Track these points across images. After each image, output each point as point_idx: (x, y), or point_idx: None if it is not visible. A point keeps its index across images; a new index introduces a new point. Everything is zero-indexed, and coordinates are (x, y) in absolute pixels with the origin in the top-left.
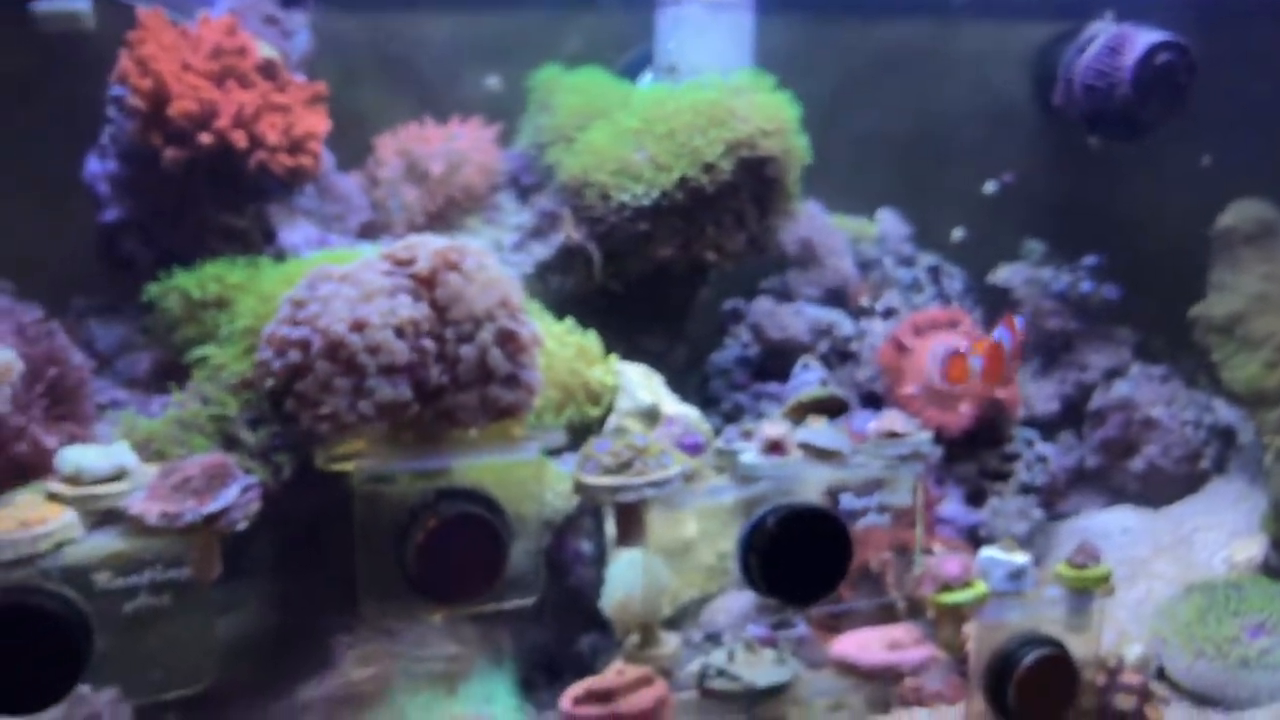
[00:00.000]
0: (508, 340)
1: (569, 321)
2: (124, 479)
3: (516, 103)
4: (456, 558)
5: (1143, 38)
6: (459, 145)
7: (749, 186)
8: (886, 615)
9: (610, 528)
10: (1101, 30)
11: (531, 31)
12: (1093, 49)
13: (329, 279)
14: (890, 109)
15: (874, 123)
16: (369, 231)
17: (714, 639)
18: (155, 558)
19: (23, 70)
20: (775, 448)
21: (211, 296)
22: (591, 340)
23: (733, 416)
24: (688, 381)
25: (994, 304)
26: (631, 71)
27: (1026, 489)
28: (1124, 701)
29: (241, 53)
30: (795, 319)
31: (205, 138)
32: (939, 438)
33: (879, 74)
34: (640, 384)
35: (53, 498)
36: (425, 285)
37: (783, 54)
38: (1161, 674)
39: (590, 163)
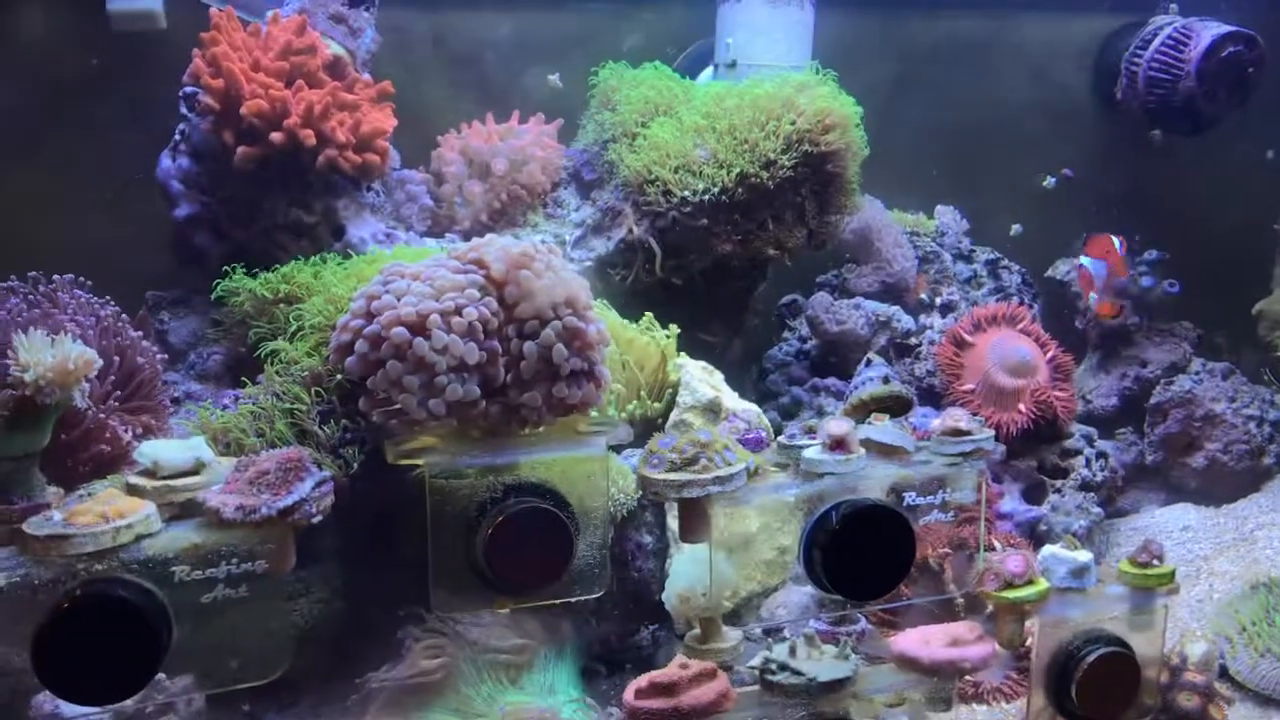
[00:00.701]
0: (574, 338)
1: (640, 320)
2: (201, 472)
3: (578, 99)
4: (524, 551)
5: (1209, 30)
6: (522, 142)
7: (809, 182)
8: (946, 611)
9: (672, 522)
10: (1166, 22)
11: (593, 28)
12: (1157, 42)
13: (401, 276)
14: (949, 103)
15: (933, 117)
16: (434, 228)
17: (774, 633)
18: (231, 550)
19: (97, 69)
20: (839, 444)
21: (281, 293)
22: (664, 337)
23: (790, 411)
24: (745, 376)
25: (1053, 299)
26: (692, 68)
27: (1086, 485)
28: (1187, 700)
29: (311, 51)
30: (853, 313)
31: (276, 136)
32: (998, 434)
33: (938, 68)
34: (701, 379)
35: (132, 490)
36: (495, 283)
37: (843, 49)
38: (1225, 673)
39: (652, 159)
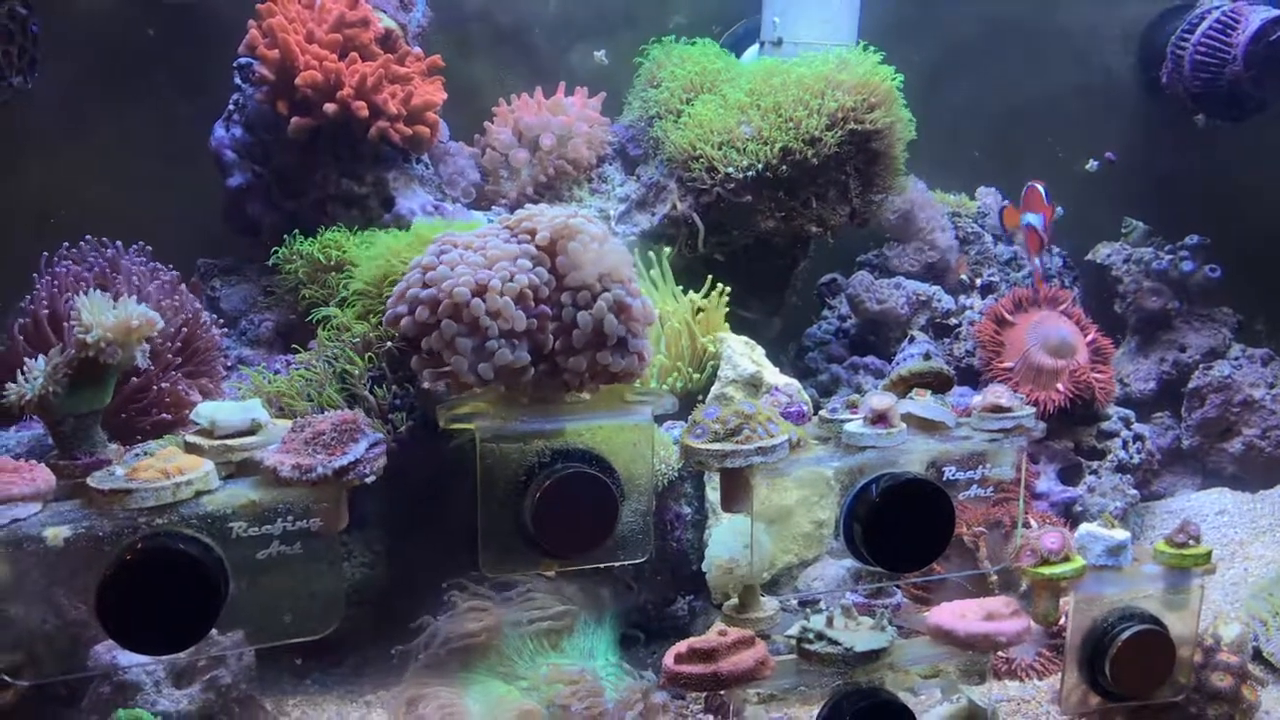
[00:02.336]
0: (621, 310)
1: (679, 291)
2: (257, 433)
3: (623, 76)
4: (571, 515)
5: (1258, 13)
6: (568, 117)
7: (853, 159)
8: (980, 588)
9: (711, 494)
10: (1215, 5)
11: (639, 6)
12: (1205, 25)
13: (455, 245)
14: (993, 85)
15: (977, 98)
16: (481, 200)
17: (810, 605)
18: (287, 508)
19: (152, 40)
20: (880, 419)
21: (331, 260)
22: (712, 307)
23: (829, 388)
24: (783, 353)
25: (1093, 282)
26: (736, 46)
27: (1122, 467)
28: (1220, 680)
29: (363, 24)
30: (893, 292)
31: (329, 107)
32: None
33: (983, 49)
34: (743, 354)
35: (189, 449)
36: (545, 253)
37: (888, 29)
38: (1258, 655)
39: (697, 135)
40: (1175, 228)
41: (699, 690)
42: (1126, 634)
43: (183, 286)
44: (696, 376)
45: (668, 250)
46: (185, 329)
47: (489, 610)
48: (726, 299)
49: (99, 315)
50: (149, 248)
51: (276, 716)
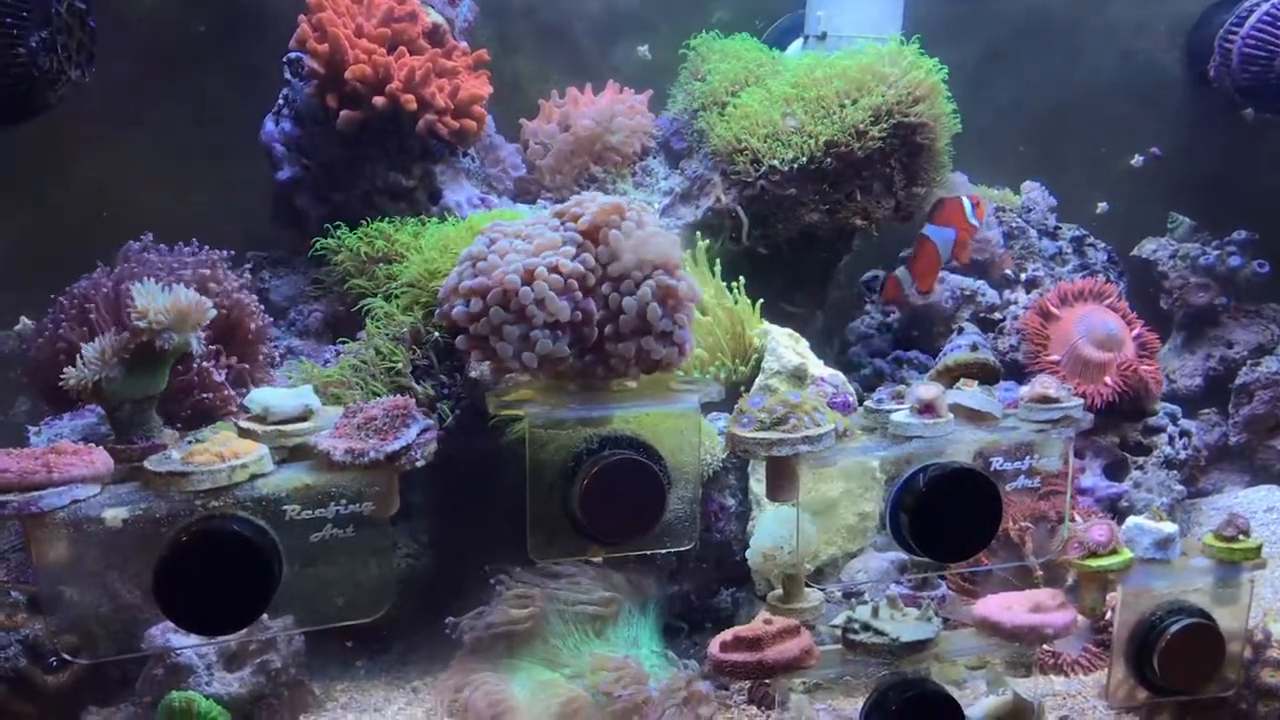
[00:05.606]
0: (666, 296)
1: (721, 284)
2: (310, 419)
3: (666, 71)
4: (618, 501)
5: None
6: (612, 110)
7: (898, 153)
8: (1024, 581)
9: (754, 485)
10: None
11: (682, 1)
12: (1254, 18)
13: (504, 235)
14: (1038, 79)
15: (1022, 92)
16: (525, 194)
17: (854, 596)
18: (340, 492)
19: (203, 35)
20: (928, 409)
21: (379, 252)
22: (744, 303)
23: (872, 383)
24: (827, 347)
25: (1138, 278)
26: (779, 40)
27: (1169, 463)
28: (1271, 676)
29: (411, 18)
30: (938, 286)
31: (378, 100)
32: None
33: (1028, 43)
34: (787, 345)
35: (243, 434)
36: (591, 239)
37: (933, 23)
38: None
39: (742, 128)
40: (1222, 223)
41: (744, 678)
42: (1176, 628)
43: (222, 272)
44: (743, 369)
45: (705, 244)
46: (236, 316)
47: (534, 597)
48: (764, 294)
49: (154, 301)
50: (202, 247)
51: (324, 701)
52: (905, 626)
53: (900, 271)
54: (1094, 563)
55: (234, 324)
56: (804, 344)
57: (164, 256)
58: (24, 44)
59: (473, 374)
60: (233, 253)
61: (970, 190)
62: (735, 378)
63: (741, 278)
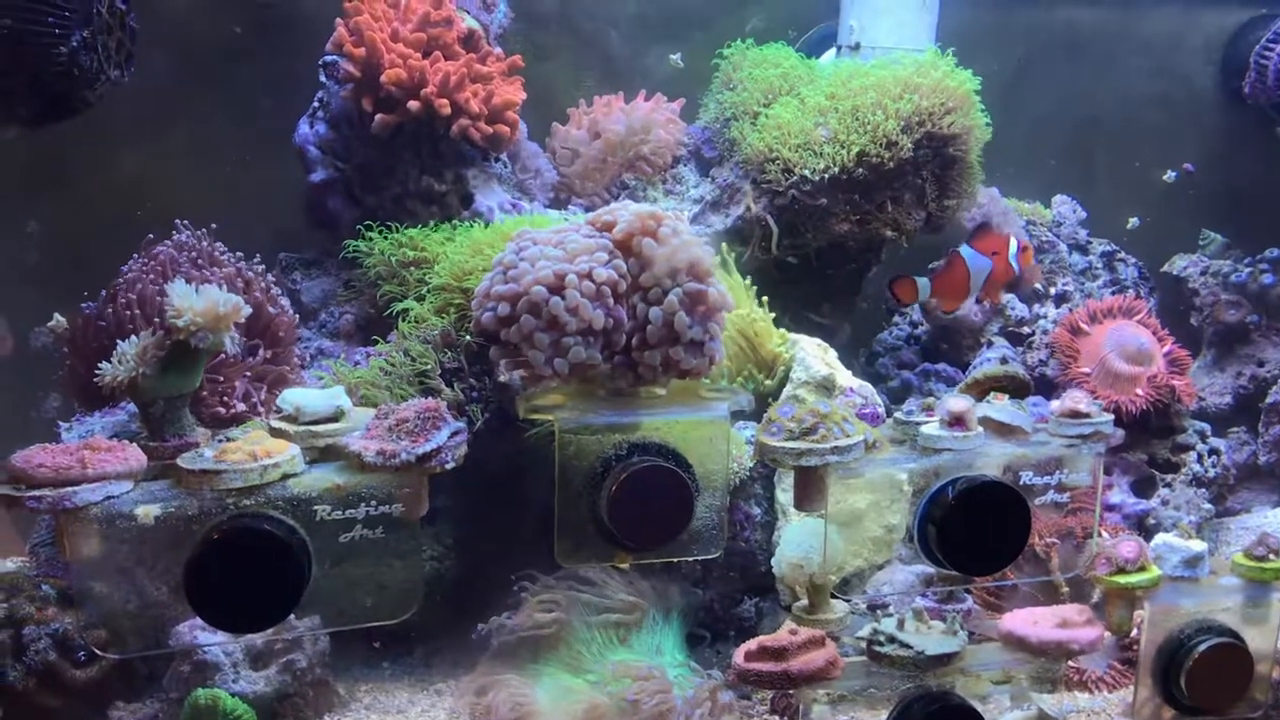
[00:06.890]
0: (696, 303)
1: (750, 293)
2: (341, 419)
3: (699, 80)
4: (646, 507)
5: None
6: (645, 117)
7: (930, 164)
8: (1050, 598)
9: (781, 495)
10: None
11: (715, 10)
12: None
13: (535, 242)
14: (1071, 93)
15: (1054, 106)
16: (556, 199)
17: (880, 608)
18: (371, 493)
19: (239, 37)
20: (957, 421)
21: (410, 257)
22: (764, 315)
23: (899, 395)
24: (854, 359)
25: (1169, 295)
26: (813, 50)
27: (1197, 481)
28: None
29: (447, 24)
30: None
31: (413, 104)
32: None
33: (1061, 57)
34: (816, 356)
35: (275, 434)
36: (622, 248)
37: (966, 36)
38: None
39: (775, 137)
40: (1254, 240)
41: (769, 688)
42: (1203, 647)
43: (252, 271)
44: (769, 383)
45: (731, 256)
46: (267, 318)
47: (559, 602)
48: (792, 304)
49: (189, 301)
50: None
51: (348, 701)
52: (930, 640)
53: (921, 280)
54: (1122, 579)
55: (268, 324)
56: (833, 354)
57: (201, 244)
58: (66, 43)
59: (501, 378)
60: (262, 265)
61: (1017, 224)
62: (761, 390)
63: (758, 291)
